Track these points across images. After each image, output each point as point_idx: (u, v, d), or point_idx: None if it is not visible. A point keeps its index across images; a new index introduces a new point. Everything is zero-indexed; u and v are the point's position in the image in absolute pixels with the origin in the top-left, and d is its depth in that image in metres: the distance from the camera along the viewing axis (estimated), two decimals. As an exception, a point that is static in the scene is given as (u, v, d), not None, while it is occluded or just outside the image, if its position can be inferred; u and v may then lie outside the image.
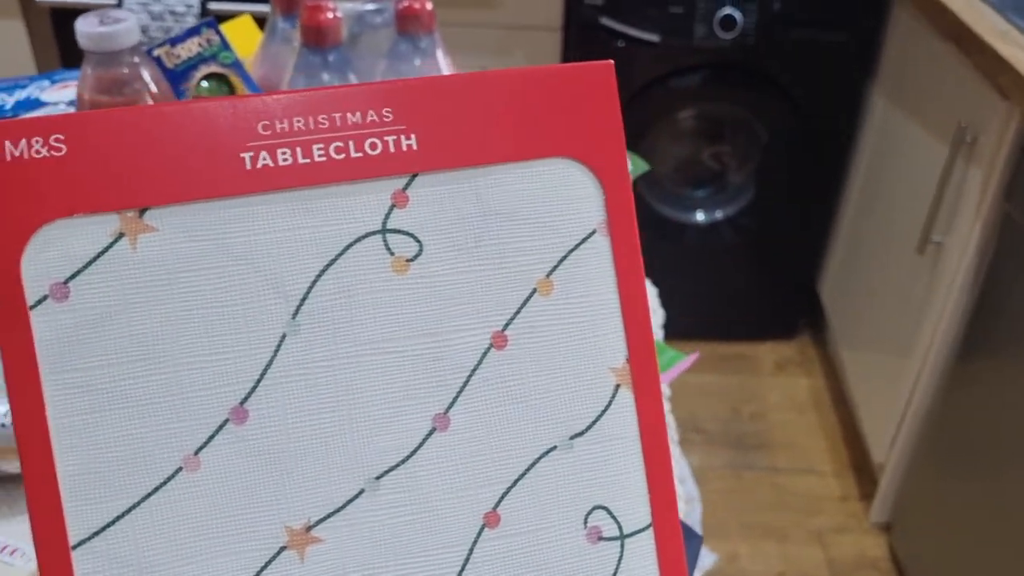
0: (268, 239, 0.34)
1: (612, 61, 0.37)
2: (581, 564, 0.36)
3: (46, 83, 1.04)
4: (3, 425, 0.66)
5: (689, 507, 0.92)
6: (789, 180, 2.08)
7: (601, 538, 0.37)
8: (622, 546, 0.37)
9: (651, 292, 0.95)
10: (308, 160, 0.34)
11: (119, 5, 1.53)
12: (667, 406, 0.80)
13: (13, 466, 0.67)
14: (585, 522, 0.36)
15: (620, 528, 0.37)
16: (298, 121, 0.34)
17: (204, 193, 0.33)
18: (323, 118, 0.34)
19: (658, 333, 0.90)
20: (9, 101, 1.01)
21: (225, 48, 0.94)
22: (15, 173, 0.32)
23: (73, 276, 0.32)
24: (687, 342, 2.25)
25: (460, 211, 0.35)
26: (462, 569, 0.35)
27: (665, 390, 0.81)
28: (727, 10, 1.85)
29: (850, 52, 1.92)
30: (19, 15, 1.86)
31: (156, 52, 0.90)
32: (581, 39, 1.94)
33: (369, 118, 0.35)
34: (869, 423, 1.88)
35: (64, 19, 1.83)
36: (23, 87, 1.03)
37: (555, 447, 0.36)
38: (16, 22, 1.86)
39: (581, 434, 0.36)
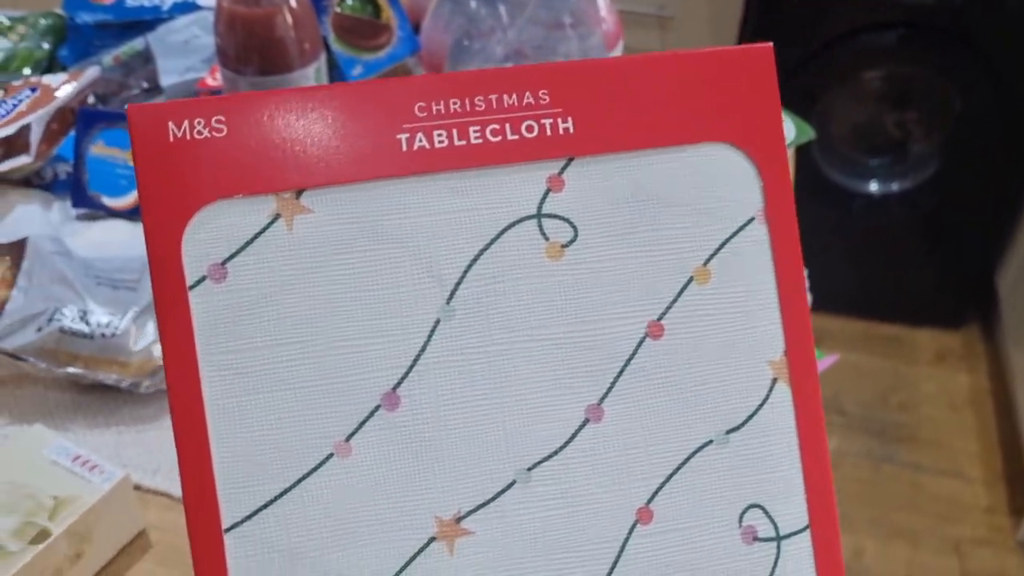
0: (423, 222, 0.33)
1: (772, 44, 0.36)
2: (735, 565, 0.35)
3: (203, -15, 1.05)
4: (103, 335, 0.67)
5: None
6: (980, 157, 1.88)
7: (756, 539, 0.35)
8: (778, 548, 0.35)
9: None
10: (464, 142, 0.33)
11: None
12: None
13: (109, 378, 0.68)
14: (740, 521, 0.35)
15: (776, 529, 0.35)
16: (454, 103, 0.33)
17: (360, 175, 0.33)
18: (480, 100, 0.34)
19: None
20: (167, 2, 1.02)
21: None
22: (178, 154, 0.32)
23: (231, 257, 0.32)
24: (840, 318, 2.11)
25: (616, 196, 0.34)
26: (614, 566, 0.35)
27: None
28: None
29: None
30: None
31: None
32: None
33: (526, 100, 0.34)
34: None
35: None
36: None
37: (711, 441, 0.35)
38: None
39: (737, 428, 0.35)
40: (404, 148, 0.33)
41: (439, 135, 0.33)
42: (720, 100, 0.35)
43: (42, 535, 0.56)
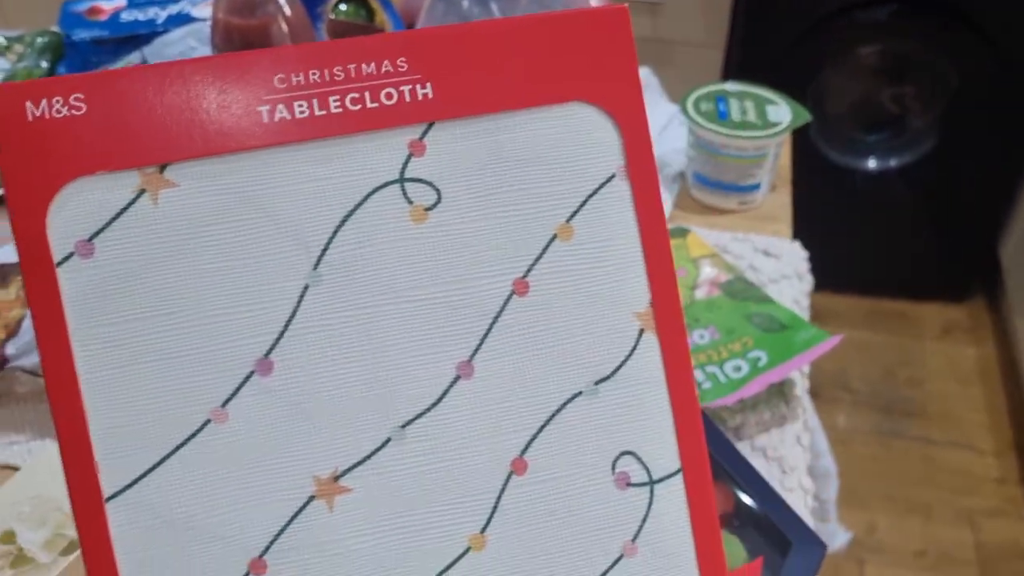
0: (287, 191, 0.34)
1: (626, 5, 0.36)
2: (610, 510, 0.36)
3: (198, -2, 1.06)
4: None
5: (824, 482, 0.87)
6: (977, 130, 1.88)
7: (630, 484, 0.36)
8: (651, 492, 0.36)
9: (801, 256, 0.90)
10: (325, 112, 0.34)
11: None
12: (800, 387, 0.75)
13: None
14: (613, 468, 0.36)
15: (649, 473, 0.36)
16: (313, 73, 0.34)
17: (223, 147, 0.34)
18: (338, 69, 0.34)
19: (803, 301, 0.85)
20: (162, 15, 1.04)
21: None
22: (37, 133, 0.33)
23: (97, 233, 0.33)
24: (844, 296, 2.10)
25: (478, 158, 0.35)
26: (490, 516, 0.35)
27: (804, 368, 0.76)
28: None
29: None
30: None
31: (295, -28, 0.89)
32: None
33: (384, 68, 0.35)
34: None
35: None
36: (176, 1, 1.06)
37: (580, 392, 0.36)
38: None
39: (606, 379, 0.36)
40: (266, 119, 0.34)
41: (300, 105, 0.34)
42: (578, 60, 0.35)
43: (72, 546, 0.58)
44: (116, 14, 1.05)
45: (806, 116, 0.94)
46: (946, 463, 1.79)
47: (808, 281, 0.88)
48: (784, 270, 0.88)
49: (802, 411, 0.73)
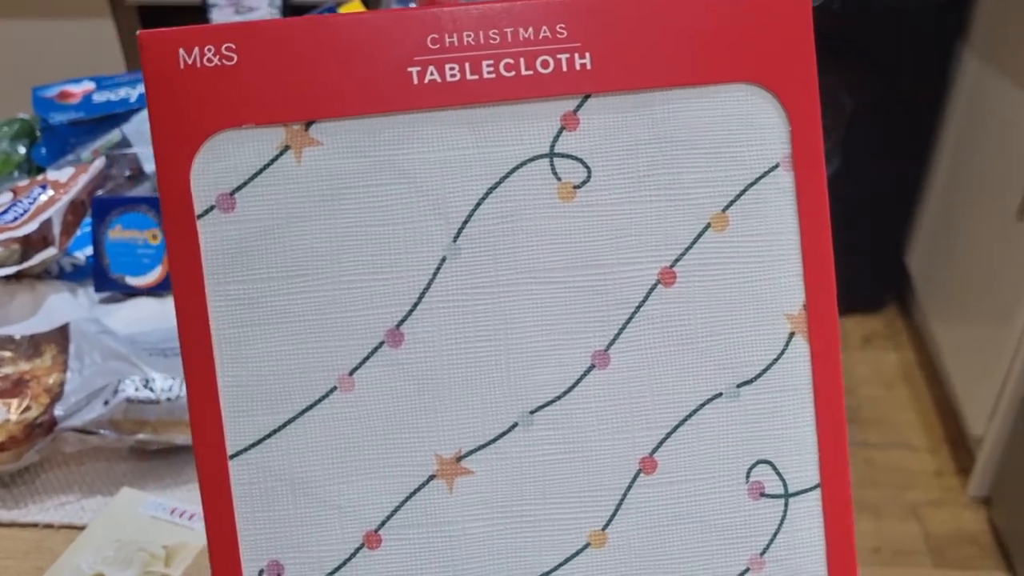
0: (432, 158, 0.33)
1: (809, -21, 0.34)
2: (740, 520, 0.34)
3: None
4: (168, 399, 0.69)
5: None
6: (876, 149, 2.01)
7: (764, 494, 0.34)
8: (786, 505, 0.34)
9: None
10: (477, 77, 0.33)
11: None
12: None
13: (179, 438, 0.70)
14: (747, 476, 0.34)
15: (785, 485, 0.34)
16: (468, 36, 0.33)
17: (369, 108, 0.33)
18: (494, 33, 0.33)
19: None
20: (133, 94, 1.06)
21: None
22: (188, 81, 0.32)
23: (240, 187, 0.33)
24: None
25: (633, 137, 0.33)
26: (614, 514, 0.34)
27: None
28: (814, -24, 1.77)
29: (940, 14, 1.84)
30: (108, 14, 1.90)
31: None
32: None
33: (542, 34, 0.33)
34: (965, 396, 1.80)
35: (152, 17, 1.86)
36: (142, 80, 1.07)
37: (721, 394, 0.34)
38: (106, 21, 1.91)
39: (750, 382, 0.34)
40: (415, 81, 0.33)
41: (451, 69, 0.33)
42: (749, 39, 0.33)
43: (162, 581, 0.60)
44: (88, 96, 1.06)
45: None
46: (886, 463, 1.89)
47: (832, 251, 0.88)
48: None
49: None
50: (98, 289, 0.87)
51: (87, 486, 0.70)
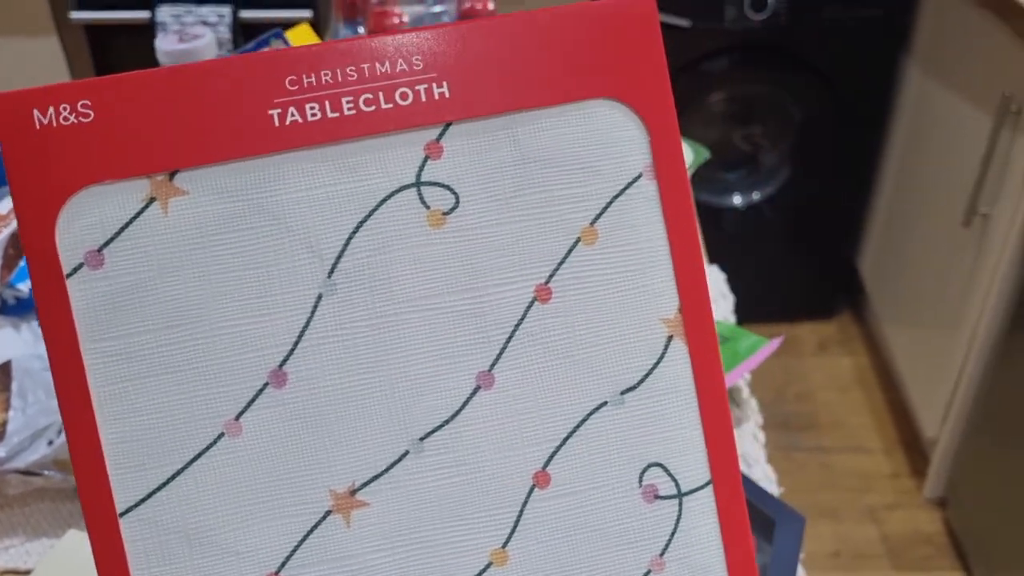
0: (300, 197, 0.33)
1: (654, -5, 0.35)
2: (637, 524, 0.35)
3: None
4: None
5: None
6: (825, 158, 2.06)
7: (658, 496, 0.35)
8: (680, 504, 0.35)
9: (719, 278, 0.97)
10: (337, 114, 0.33)
11: (152, 18, 1.55)
12: (747, 391, 0.80)
13: None
14: (640, 480, 0.35)
15: (678, 486, 0.35)
16: (326, 74, 0.33)
17: (233, 153, 0.33)
18: (351, 69, 0.33)
19: (730, 318, 0.90)
20: None
21: None
22: (45, 141, 0.32)
23: (107, 243, 0.32)
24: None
25: (497, 159, 0.34)
26: (512, 531, 0.34)
27: (746, 376, 0.80)
28: (758, -10, 1.84)
29: (883, 27, 1.89)
30: (54, 32, 1.87)
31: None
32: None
33: (399, 67, 0.33)
34: (918, 399, 1.84)
35: (98, 35, 1.84)
36: None
37: (606, 403, 0.34)
38: (51, 39, 1.88)
39: (633, 388, 0.35)
40: (276, 123, 0.33)
41: (311, 108, 0.33)
42: (602, 55, 0.34)
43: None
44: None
45: (705, 154, 0.92)
46: (843, 467, 1.93)
47: (731, 299, 0.94)
48: (711, 292, 0.92)
49: (751, 411, 0.77)
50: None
51: (32, 528, 0.68)
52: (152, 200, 0.33)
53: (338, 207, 0.33)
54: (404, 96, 0.33)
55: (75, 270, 0.32)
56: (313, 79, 0.33)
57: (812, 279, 2.26)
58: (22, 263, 0.87)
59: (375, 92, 0.33)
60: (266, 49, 0.92)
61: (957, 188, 1.66)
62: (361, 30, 0.88)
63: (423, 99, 0.33)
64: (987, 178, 1.52)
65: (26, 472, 0.67)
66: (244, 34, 1.61)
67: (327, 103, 0.33)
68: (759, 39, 1.90)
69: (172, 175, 0.33)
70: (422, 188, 0.34)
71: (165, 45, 0.78)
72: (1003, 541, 1.50)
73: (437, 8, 0.99)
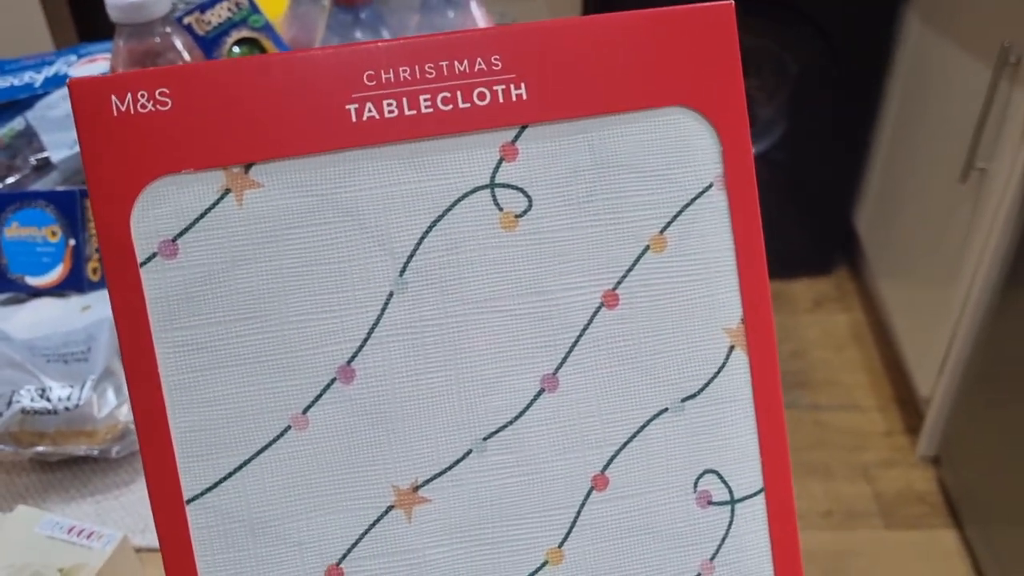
0: (374, 194, 0.33)
1: (733, 2, 0.34)
2: (690, 528, 0.36)
3: (73, 57, 1.03)
4: (67, 408, 0.67)
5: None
6: (821, 112, 2.04)
7: (711, 502, 0.36)
8: (732, 511, 0.36)
9: None
10: (415, 112, 0.33)
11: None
12: None
13: (80, 449, 0.69)
14: (695, 486, 0.35)
15: (731, 492, 0.36)
16: (404, 71, 0.33)
17: (309, 147, 0.33)
18: (430, 67, 0.33)
19: None
20: (38, 79, 1.00)
21: (255, 11, 0.91)
22: (122, 128, 0.32)
23: (182, 233, 0.32)
24: None
25: (571, 164, 0.34)
26: (569, 531, 0.35)
27: None
28: (753, -62, 1.81)
29: None
30: None
31: (186, 20, 0.88)
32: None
33: (478, 66, 0.33)
34: (913, 356, 1.83)
35: None
36: (50, 63, 1.02)
37: (666, 409, 0.35)
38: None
39: (693, 396, 0.35)
40: (354, 119, 0.33)
41: (389, 104, 0.33)
42: (679, 62, 0.34)
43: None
44: (-11, 81, 1.00)
45: None
46: (836, 425, 1.92)
47: (766, 266, 0.93)
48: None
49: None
50: None
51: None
52: (227, 192, 0.32)
53: (412, 205, 0.33)
54: (482, 96, 0.33)
55: (149, 259, 0.32)
56: (392, 75, 0.33)
57: (808, 235, 2.23)
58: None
59: (453, 91, 0.33)
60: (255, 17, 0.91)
61: (955, 143, 1.64)
62: (363, 16, 0.86)
63: (500, 100, 0.33)
64: (984, 132, 1.50)
65: None
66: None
67: (405, 100, 0.33)
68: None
69: (248, 167, 0.32)
70: (496, 190, 0.34)
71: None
72: (997, 499, 1.51)
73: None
